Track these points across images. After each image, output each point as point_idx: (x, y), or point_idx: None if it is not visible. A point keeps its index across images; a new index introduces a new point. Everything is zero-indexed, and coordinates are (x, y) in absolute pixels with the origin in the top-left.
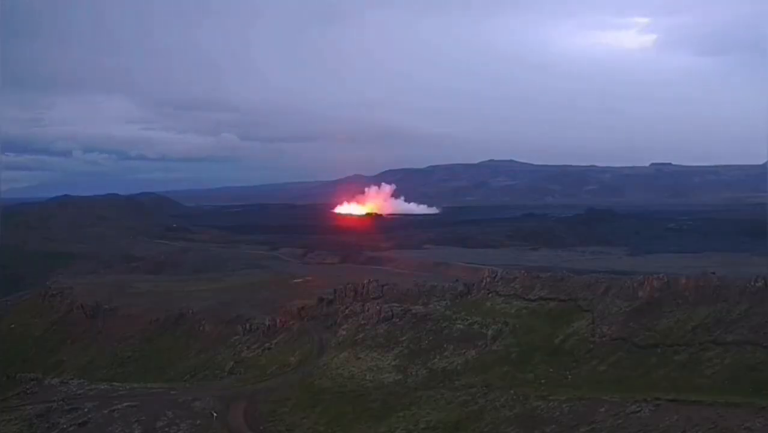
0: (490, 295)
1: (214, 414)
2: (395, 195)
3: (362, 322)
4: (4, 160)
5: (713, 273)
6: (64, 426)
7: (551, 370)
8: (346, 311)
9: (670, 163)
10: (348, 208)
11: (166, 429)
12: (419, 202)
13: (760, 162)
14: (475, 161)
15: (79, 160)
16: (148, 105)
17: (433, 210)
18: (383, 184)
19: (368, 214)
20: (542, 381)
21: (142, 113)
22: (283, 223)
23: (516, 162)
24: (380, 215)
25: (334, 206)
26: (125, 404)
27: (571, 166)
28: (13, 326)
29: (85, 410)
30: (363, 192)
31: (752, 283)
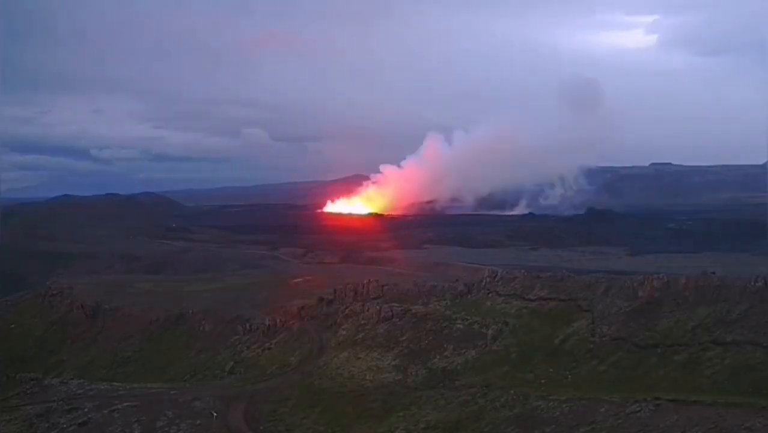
0: (490, 295)
1: (214, 414)
2: None
3: (362, 322)
4: (5, 159)
5: (713, 273)
6: (64, 426)
7: (551, 370)
8: (346, 311)
9: (670, 163)
10: (340, 207)
11: (166, 429)
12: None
13: (760, 162)
14: None
15: (80, 161)
16: (152, 104)
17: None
18: None
19: (371, 214)
20: (542, 381)
21: (146, 113)
22: (283, 223)
23: None
24: (381, 215)
25: (325, 206)
26: (125, 404)
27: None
28: (13, 326)
29: (85, 410)
30: (358, 191)
31: (752, 283)
